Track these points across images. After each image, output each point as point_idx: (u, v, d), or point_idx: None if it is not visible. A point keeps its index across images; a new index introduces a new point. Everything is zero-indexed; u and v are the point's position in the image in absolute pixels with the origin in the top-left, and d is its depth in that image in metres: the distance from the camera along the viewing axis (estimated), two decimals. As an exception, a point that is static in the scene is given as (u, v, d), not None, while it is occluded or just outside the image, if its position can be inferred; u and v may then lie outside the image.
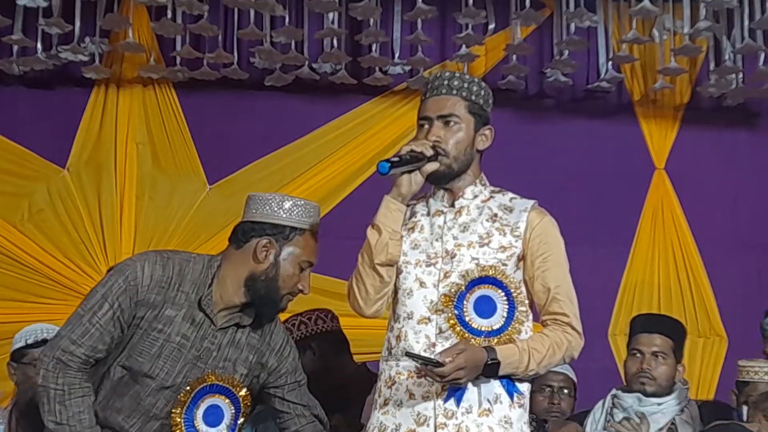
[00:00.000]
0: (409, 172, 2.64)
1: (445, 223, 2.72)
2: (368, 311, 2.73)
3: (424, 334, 2.65)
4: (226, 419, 2.86)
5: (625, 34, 4.83)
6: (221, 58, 4.85)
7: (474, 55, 4.94)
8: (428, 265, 2.69)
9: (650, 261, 5.10)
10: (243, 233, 2.81)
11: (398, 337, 2.69)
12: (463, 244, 2.68)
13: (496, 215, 2.72)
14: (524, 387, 2.69)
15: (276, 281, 2.79)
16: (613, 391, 4.02)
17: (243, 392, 2.87)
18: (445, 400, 2.61)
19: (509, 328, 2.64)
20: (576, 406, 4.26)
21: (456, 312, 2.62)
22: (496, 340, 2.62)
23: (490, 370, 2.56)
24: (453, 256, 2.67)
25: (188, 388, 2.80)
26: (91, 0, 4.73)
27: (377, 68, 4.96)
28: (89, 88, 5.01)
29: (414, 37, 4.81)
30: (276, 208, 2.81)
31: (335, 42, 4.85)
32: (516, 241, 2.68)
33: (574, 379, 4.30)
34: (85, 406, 2.76)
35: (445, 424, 2.60)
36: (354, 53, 4.93)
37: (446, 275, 2.66)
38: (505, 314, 2.65)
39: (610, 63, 5.03)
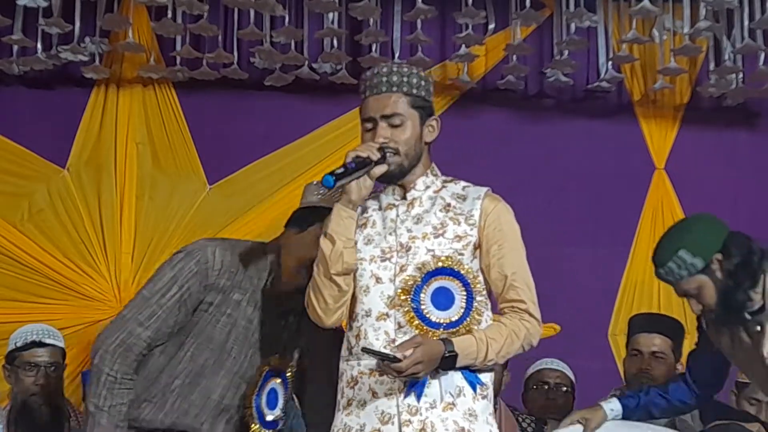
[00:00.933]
0: (357, 177, 2.60)
1: (398, 216, 2.68)
2: (329, 321, 2.68)
3: (383, 330, 2.61)
4: (280, 402, 2.94)
5: (625, 34, 4.83)
6: (221, 58, 4.85)
7: (474, 55, 4.94)
8: (383, 260, 2.65)
9: (650, 261, 5.08)
10: (305, 217, 2.87)
11: (357, 336, 2.66)
12: (417, 236, 2.65)
13: (449, 205, 2.69)
14: (487, 378, 2.66)
15: None
16: (613, 392, 4.02)
17: (291, 375, 2.96)
18: (405, 395, 2.58)
19: (468, 319, 2.61)
20: (575, 406, 4.27)
21: (413, 306, 2.59)
22: (455, 332, 2.59)
23: (447, 362, 2.53)
24: (408, 249, 2.64)
25: (258, 371, 2.85)
26: (91, 0, 4.72)
27: (377, 68, 4.96)
28: (89, 88, 5.00)
29: (414, 37, 4.81)
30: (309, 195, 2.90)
31: (335, 42, 4.85)
32: (471, 229, 2.66)
33: (572, 377, 4.30)
34: (127, 399, 2.78)
35: (409, 421, 2.57)
36: (354, 53, 4.93)
37: (402, 269, 2.63)
38: (463, 305, 2.61)
39: (610, 63, 5.02)
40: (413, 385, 2.57)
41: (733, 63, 4.95)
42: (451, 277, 2.61)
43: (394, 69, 2.69)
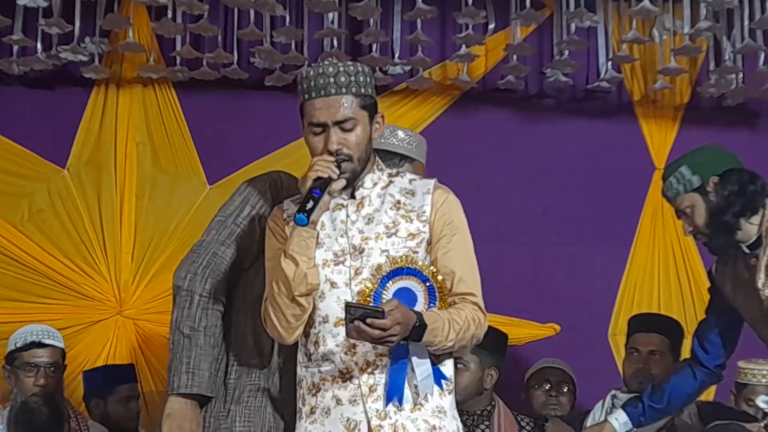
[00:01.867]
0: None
1: (348, 216, 2.63)
2: (290, 339, 2.62)
3: (342, 335, 2.54)
4: None
5: (625, 34, 4.83)
6: (221, 58, 4.84)
7: (474, 55, 4.93)
8: (337, 264, 2.60)
9: (650, 261, 5.09)
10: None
11: (316, 343, 2.61)
12: (370, 237, 2.60)
13: (399, 201, 2.65)
14: (449, 372, 2.64)
15: None
16: (612, 392, 4.03)
17: None
18: (386, 405, 2.54)
19: None
20: (576, 406, 4.27)
21: None
22: None
23: (416, 332, 2.47)
24: (361, 251, 2.59)
25: None
26: (91, 0, 4.72)
27: (377, 68, 4.95)
28: (89, 88, 5.00)
29: (414, 37, 4.81)
30: (389, 136, 2.98)
31: (335, 42, 4.84)
32: (423, 226, 2.62)
33: (573, 375, 4.31)
34: (219, 322, 2.81)
35: (380, 426, 2.53)
36: (354, 53, 4.93)
37: (357, 272, 2.59)
38: (426, 301, 2.57)
39: (610, 63, 5.02)
40: (393, 392, 2.52)
41: (733, 63, 4.94)
42: (408, 276, 2.56)
43: (341, 69, 2.61)
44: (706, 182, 3.17)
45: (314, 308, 2.61)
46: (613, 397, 4.01)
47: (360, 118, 2.60)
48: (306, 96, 2.62)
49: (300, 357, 2.67)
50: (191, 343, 2.78)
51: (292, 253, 2.54)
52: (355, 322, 2.38)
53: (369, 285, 2.54)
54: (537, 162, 5.12)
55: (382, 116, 2.69)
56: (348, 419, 2.55)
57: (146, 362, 4.82)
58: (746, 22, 4.74)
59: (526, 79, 5.13)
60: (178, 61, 4.91)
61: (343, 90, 2.58)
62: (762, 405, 3.18)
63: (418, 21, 4.75)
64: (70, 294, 4.84)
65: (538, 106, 5.23)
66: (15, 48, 4.84)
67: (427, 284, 2.57)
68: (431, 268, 2.59)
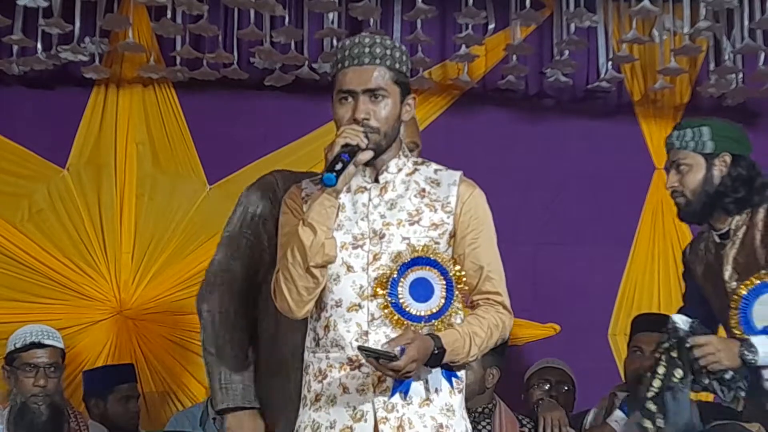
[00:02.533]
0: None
1: (370, 200, 2.57)
2: (300, 313, 2.54)
3: (354, 322, 2.50)
4: None
5: (625, 34, 4.83)
6: (221, 58, 4.84)
7: (474, 55, 4.93)
8: (355, 248, 2.53)
9: (650, 261, 5.09)
10: None
11: (326, 327, 2.54)
12: (392, 223, 2.54)
13: (424, 190, 2.59)
14: (461, 371, 2.59)
15: None
16: (612, 391, 4.03)
17: None
18: (390, 396, 2.48)
19: (450, 309, 2.52)
20: (576, 406, 4.27)
21: (391, 299, 2.48)
22: (437, 323, 2.50)
23: (435, 359, 2.43)
24: (382, 237, 2.53)
25: None
26: (91, 0, 4.72)
27: (377, 68, 4.95)
28: (89, 88, 5.00)
29: (414, 37, 4.81)
30: None
31: (335, 42, 4.84)
32: (448, 217, 2.57)
33: (572, 375, 4.31)
34: (246, 335, 2.86)
35: (386, 418, 2.47)
36: (354, 53, 4.92)
37: (376, 257, 2.52)
38: (444, 294, 2.52)
39: (610, 63, 5.02)
40: (399, 384, 2.48)
41: (733, 63, 4.95)
42: (428, 267, 2.51)
43: (377, 40, 2.57)
44: (718, 154, 3.13)
45: (327, 291, 2.53)
46: (613, 396, 4.01)
47: (391, 92, 2.54)
48: (339, 66, 2.58)
49: (308, 342, 2.61)
50: (219, 360, 2.83)
51: (311, 221, 2.47)
52: (370, 359, 2.37)
53: (387, 274, 2.50)
54: (537, 162, 5.12)
55: (414, 98, 2.63)
56: (354, 408, 2.49)
57: (146, 362, 4.82)
58: (746, 22, 4.74)
59: (526, 79, 5.13)
60: (178, 61, 4.91)
61: (377, 61, 2.54)
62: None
63: (418, 21, 4.75)
64: (70, 294, 4.84)
65: (538, 106, 5.23)
66: (15, 48, 4.84)
67: (447, 278, 2.52)
68: (452, 261, 2.55)
